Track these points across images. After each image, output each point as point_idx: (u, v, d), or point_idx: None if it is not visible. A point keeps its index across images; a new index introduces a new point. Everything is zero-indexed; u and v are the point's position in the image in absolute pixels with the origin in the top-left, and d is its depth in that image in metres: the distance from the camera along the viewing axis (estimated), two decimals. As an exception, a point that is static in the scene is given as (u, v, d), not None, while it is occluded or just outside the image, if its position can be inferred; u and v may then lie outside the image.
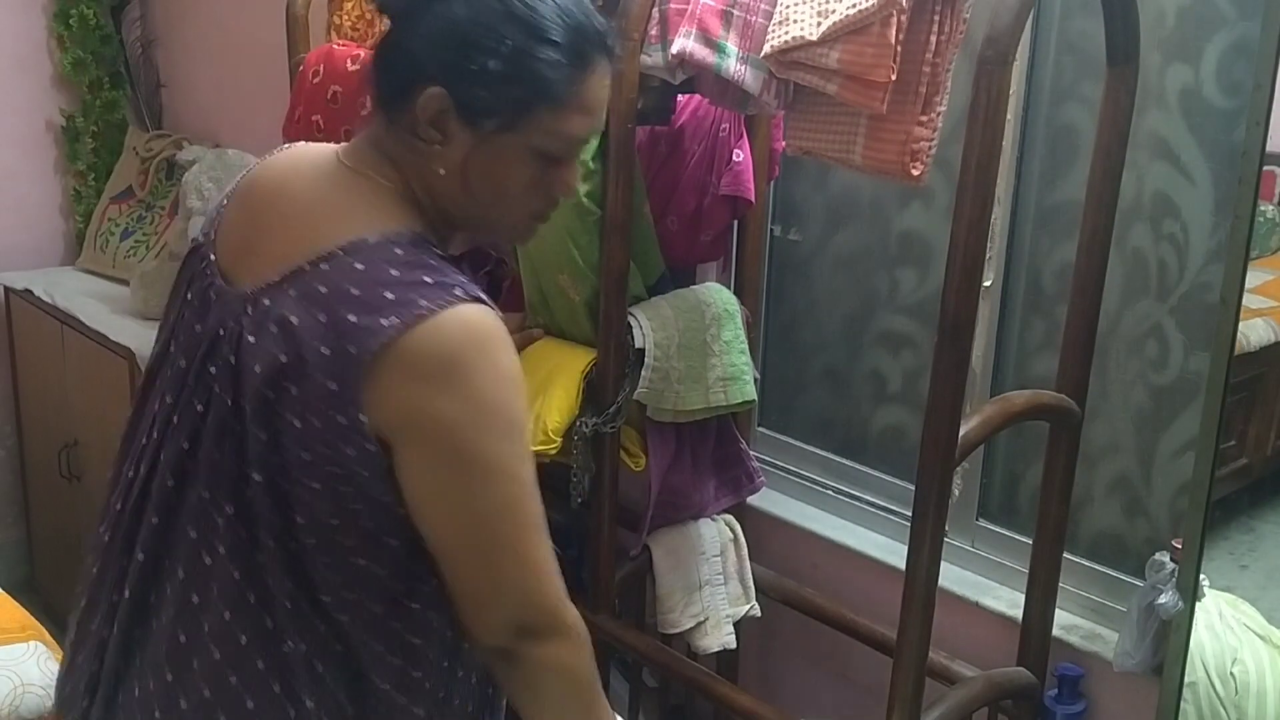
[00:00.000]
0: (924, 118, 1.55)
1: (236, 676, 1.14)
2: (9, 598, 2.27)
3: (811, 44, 1.56)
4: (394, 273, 1.09)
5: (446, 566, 1.14)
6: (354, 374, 1.07)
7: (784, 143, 1.80)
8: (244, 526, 1.13)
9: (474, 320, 1.10)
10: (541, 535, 1.15)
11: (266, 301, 1.12)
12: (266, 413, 1.10)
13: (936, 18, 1.52)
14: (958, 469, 1.64)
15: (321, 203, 1.16)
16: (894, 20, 1.49)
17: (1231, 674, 1.64)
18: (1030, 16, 1.64)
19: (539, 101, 1.12)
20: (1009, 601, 2.01)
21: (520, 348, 1.34)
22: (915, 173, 1.57)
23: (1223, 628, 1.70)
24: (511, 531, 1.13)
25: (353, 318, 1.07)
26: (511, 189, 1.17)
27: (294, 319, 1.09)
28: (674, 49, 1.73)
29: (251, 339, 1.11)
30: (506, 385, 1.11)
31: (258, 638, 1.14)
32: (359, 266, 1.10)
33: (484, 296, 1.12)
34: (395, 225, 1.13)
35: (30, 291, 3.27)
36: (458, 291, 1.09)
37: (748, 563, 2.20)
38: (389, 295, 1.08)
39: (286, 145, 1.27)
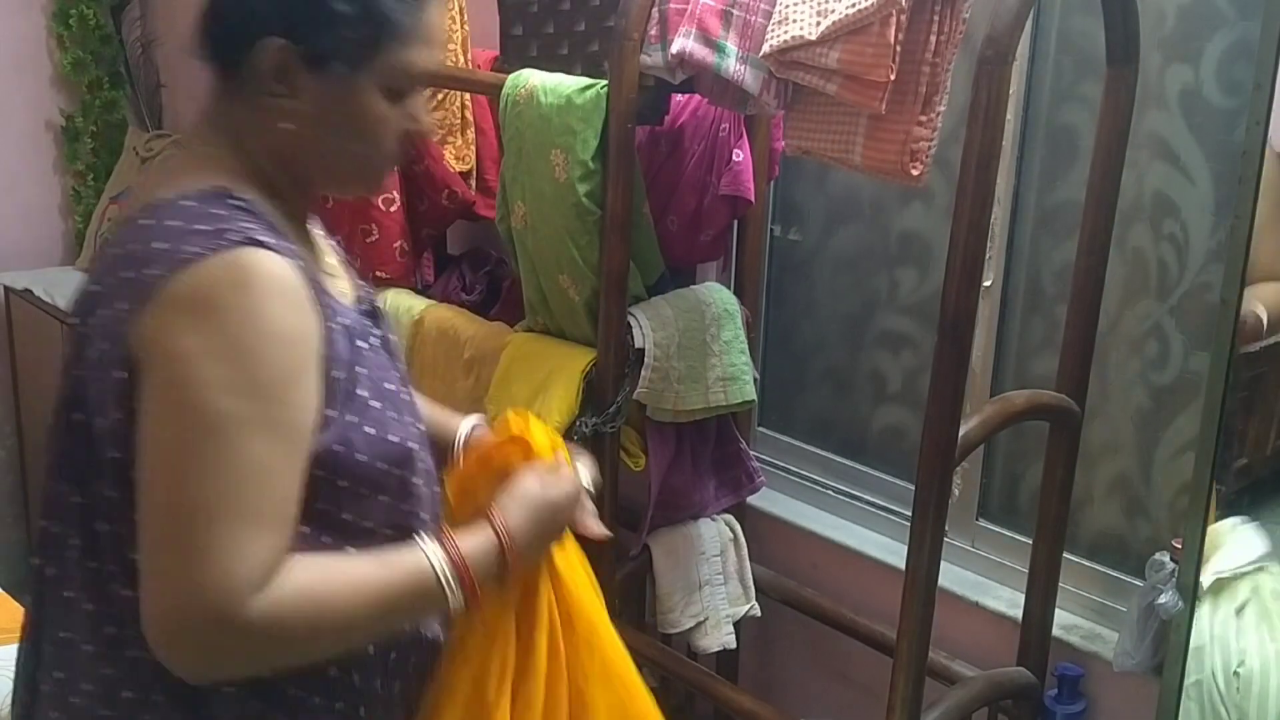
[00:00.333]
0: (923, 118, 1.55)
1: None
2: (9, 598, 2.27)
3: (811, 43, 1.56)
4: (174, 224, 1.03)
5: (139, 540, 1.01)
6: (121, 331, 1.02)
7: (783, 142, 1.80)
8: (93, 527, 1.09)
9: (243, 262, 1.01)
10: (240, 530, 0.98)
11: (88, 284, 1.10)
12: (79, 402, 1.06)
13: (936, 17, 1.52)
14: (957, 469, 1.64)
15: (144, 183, 1.14)
16: (893, 20, 1.49)
17: (1236, 673, 1.64)
18: (1030, 16, 1.64)
19: (386, 37, 1.09)
20: (1009, 601, 2.01)
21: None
22: (914, 173, 1.57)
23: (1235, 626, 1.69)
24: (198, 502, 0.98)
25: (127, 274, 1.03)
26: (364, 131, 1.12)
27: (95, 288, 1.07)
28: (674, 49, 1.73)
29: (75, 320, 1.09)
30: (262, 336, 1.01)
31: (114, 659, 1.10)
32: (145, 223, 1.05)
33: (273, 243, 1.04)
34: (196, 184, 1.08)
35: (30, 291, 3.27)
36: (233, 236, 1.02)
37: (747, 562, 2.20)
38: (161, 246, 1.02)
39: None
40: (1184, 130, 1.79)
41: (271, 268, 1.02)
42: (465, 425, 1.36)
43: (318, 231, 1.24)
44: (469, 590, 1.10)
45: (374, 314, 1.21)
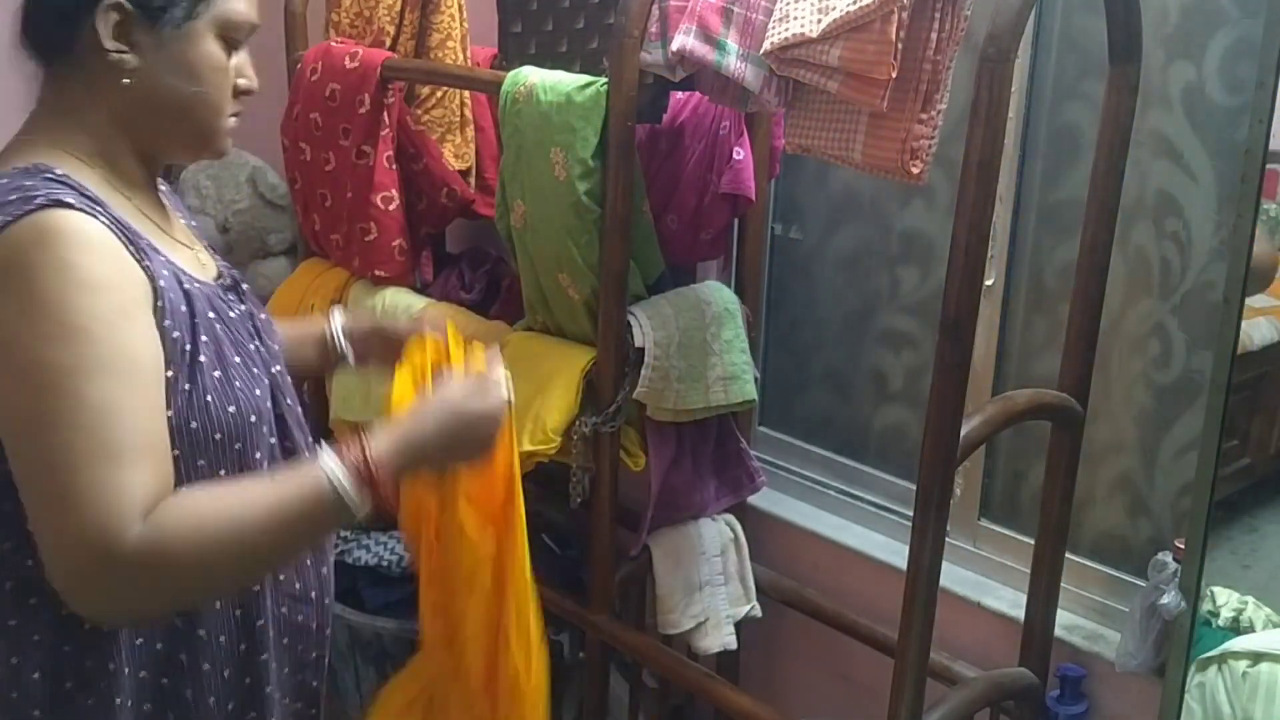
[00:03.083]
0: (924, 115, 1.54)
1: None
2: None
3: (812, 41, 1.55)
4: None
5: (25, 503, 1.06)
6: None
7: (784, 140, 1.79)
8: None
9: (45, 222, 1.05)
10: (103, 471, 1.02)
11: None
12: None
13: (937, 15, 1.51)
14: (959, 468, 1.63)
15: None
16: (895, 17, 1.48)
17: (1243, 675, 1.63)
18: (1032, 14, 1.63)
19: None
20: (1011, 601, 2.00)
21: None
22: (915, 171, 1.56)
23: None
24: (54, 453, 1.02)
25: None
26: (205, 75, 1.18)
27: None
28: (674, 46, 1.72)
29: None
30: (72, 285, 1.04)
31: None
32: None
33: (77, 204, 1.08)
34: (17, 163, 1.13)
35: None
36: (39, 200, 1.06)
37: (748, 563, 2.19)
38: None
39: None
40: (1187, 128, 1.79)
41: (75, 224, 1.07)
42: (335, 319, 1.48)
43: (173, 206, 1.31)
44: (373, 489, 1.13)
45: (236, 289, 1.29)
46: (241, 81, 1.24)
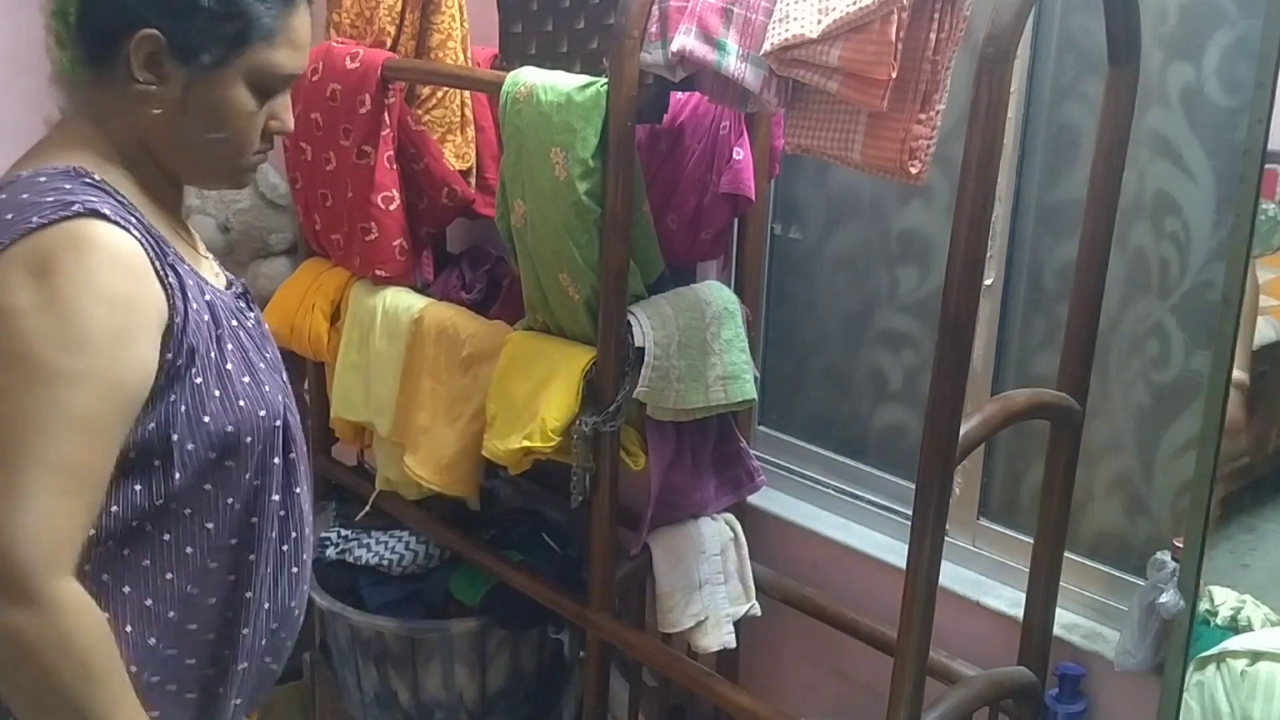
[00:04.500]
0: (923, 116, 1.54)
1: None
2: None
3: (812, 41, 1.55)
4: (24, 196, 1.10)
5: None
6: None
7: (783, 140, 1.80)
8: None
9: (81, 230, 1.08)
10: (57, 482, 1.03)
11: None
12: None
13: (937, 15, 1.51)
14: (958, 467, 1.63)
15: (18, 162, 1.21)
16: (894, 17, 1.49)
17: (1242, 674, 1.64)
18: (1031, 14, 1.63)
19: (251, 36, 1.17)
20: (1010, 600, 2.01)
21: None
22: (914, 171, 1.56)
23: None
24: (18, 449, 1.03)
25: None
26: (226, 122, 1.20)
27: None
28: (674, 46, 1.72)
29: None
30: (92, 296, 1.06)
31: None
32: (1, 197, 1.12)
33: (114, 216, 1.10)
34: (54, 162, 1.15)
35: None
36: (76, 208, 1.08)
37: (748, 562, 2.20)
38: (8, 216, 1.08)
39: None
40: (1185, 128, 1.79)
41: (109, 237, 1.09)
42: None
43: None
44: None
45: (245, 297, 1.32)
46: (274, 124, 1.24)
